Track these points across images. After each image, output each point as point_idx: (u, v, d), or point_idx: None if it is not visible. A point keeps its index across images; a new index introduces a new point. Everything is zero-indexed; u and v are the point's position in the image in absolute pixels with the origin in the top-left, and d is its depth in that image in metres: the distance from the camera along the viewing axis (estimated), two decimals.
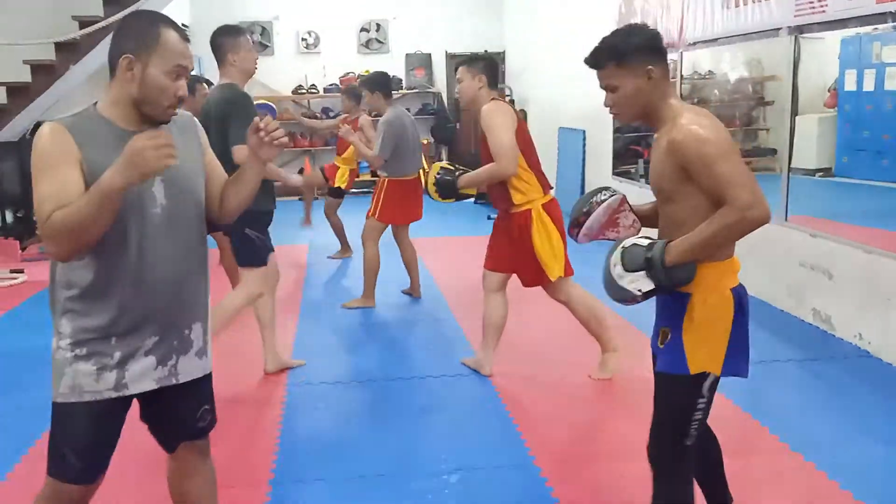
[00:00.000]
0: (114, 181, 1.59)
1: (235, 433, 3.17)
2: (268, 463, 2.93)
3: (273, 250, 3.75)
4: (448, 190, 3.66)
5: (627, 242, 1.97)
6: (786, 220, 4.66)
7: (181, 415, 1.96)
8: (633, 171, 7.41)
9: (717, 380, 1.94)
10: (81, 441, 1.81)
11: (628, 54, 1.91)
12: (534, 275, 3.56)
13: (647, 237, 1.99)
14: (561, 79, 8.49)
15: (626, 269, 1.92)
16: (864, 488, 2.62)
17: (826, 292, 4.29)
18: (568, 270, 3.57)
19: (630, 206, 2.17)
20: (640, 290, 1.91)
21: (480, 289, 3.75)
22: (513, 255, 3.55)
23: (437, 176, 3.70)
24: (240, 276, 3.75)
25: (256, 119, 1.88)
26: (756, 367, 2.05)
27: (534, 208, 3.46)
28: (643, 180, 6.98)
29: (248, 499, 2.68)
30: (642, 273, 1.90)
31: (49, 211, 1.63)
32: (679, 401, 1.96)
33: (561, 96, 8.52)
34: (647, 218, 2.18)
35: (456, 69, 3.68)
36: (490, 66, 3.61)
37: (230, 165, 2.70)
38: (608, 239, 2.17)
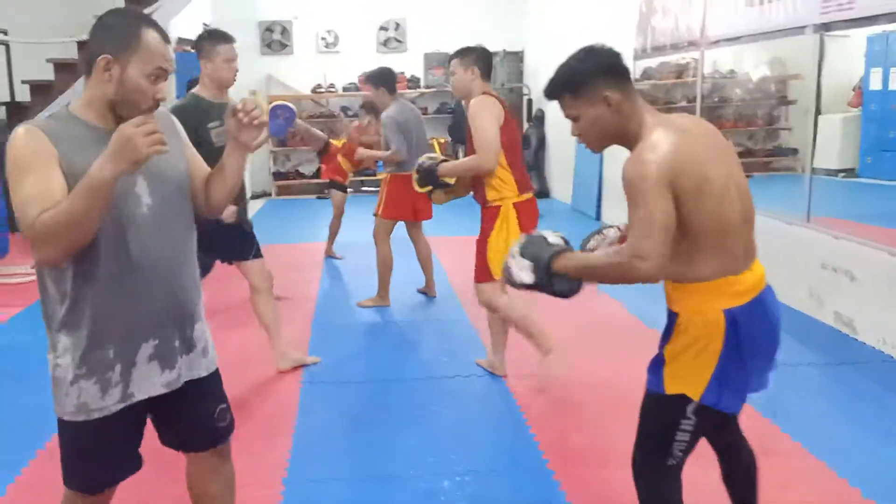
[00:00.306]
0: (104, 171, 1.52)
1: (249, 432, 3.16)
2: (282, 462, 2.92)
3: (261, 256, 3.68)
4: (427, 176, 3.59)
5: (542, 232, 1.94)
6: (808, 221, 4.59)
7: (198, 416, 1.94)
8: None
9: (705, 406, 1.82)
10: (94, 456, 1.79)
11: (581, 83, 1.81)
12: (481, 270, 3.51)
13: (562, 236, 1.94)
14: None
15: (522, 255, 1.89)
16: (887, 495, 2.56)
17: (848, 295, 4.21)
18: None
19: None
20: (520, 280, 1.88)
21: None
22: (477, 248, 3.53)
23: (419, 162, 3.64)
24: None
25: (236, 102, 1.83)
26: (776, 371, 1.99)
27: (504, 206, 3.43)
28: None
29: (261, 498, 2.67)
30: (530, 265, 1.87)
31: (35, 213, 1.56)
32: (658, 419, 1.89)
33: None
34: None
35: (449, 61, 3.63)
36: (483, 59, 3.53)
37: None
38: None
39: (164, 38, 1.72)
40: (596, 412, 3.38)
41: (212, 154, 2.12)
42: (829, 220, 4.66)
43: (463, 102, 3.70)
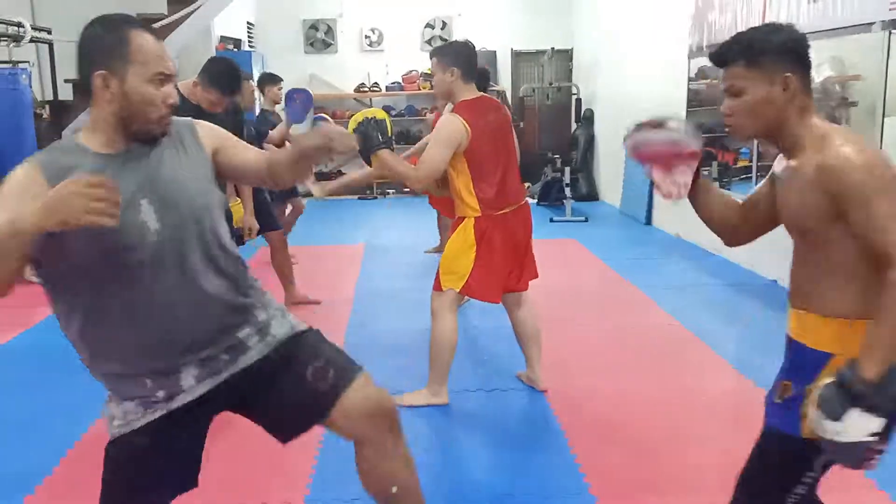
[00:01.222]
0: (23, 220, 1.31)
1: (270, 446, 3.02)
2: (304, 479, 2.78)
3: None
4: (366, 143, 3.02)
5: (814, 394, 1.55)
6: None
7: (287, 390, 1.80)
8: (706, 173, 7.03)
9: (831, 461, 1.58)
10: (142, 470, 1.70)
11: (764, 54, 1.57)
12: (437, 277, 3.29)
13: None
14: (631, 77, 8.14)
15: (832, 418, 1.48)
16: None
17: None
18: (473, 291, 3.24)
19: (700, 168, 1.84)
20: (872, 434, 1.46)
21: (535, 294, 3.54)
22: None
23: (372, 120, 3.06)
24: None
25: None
26: None
27: (466, 219, 3.22)
28: (716, 185, 6.60)
29: None
30: (856, 412, 1.45)
31: None
32: (780, 465, 1.64)
33: (630, 95, 8.18)
34: (705, 204, 1.87)
35: (431, 57, 3.26)
36: (463, 57, 3.14)
37: None
38: (649, 173, 1.89)
39: (157, 37, 1.59)
40: (642, 433, 3.15)
41: None
42: None
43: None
